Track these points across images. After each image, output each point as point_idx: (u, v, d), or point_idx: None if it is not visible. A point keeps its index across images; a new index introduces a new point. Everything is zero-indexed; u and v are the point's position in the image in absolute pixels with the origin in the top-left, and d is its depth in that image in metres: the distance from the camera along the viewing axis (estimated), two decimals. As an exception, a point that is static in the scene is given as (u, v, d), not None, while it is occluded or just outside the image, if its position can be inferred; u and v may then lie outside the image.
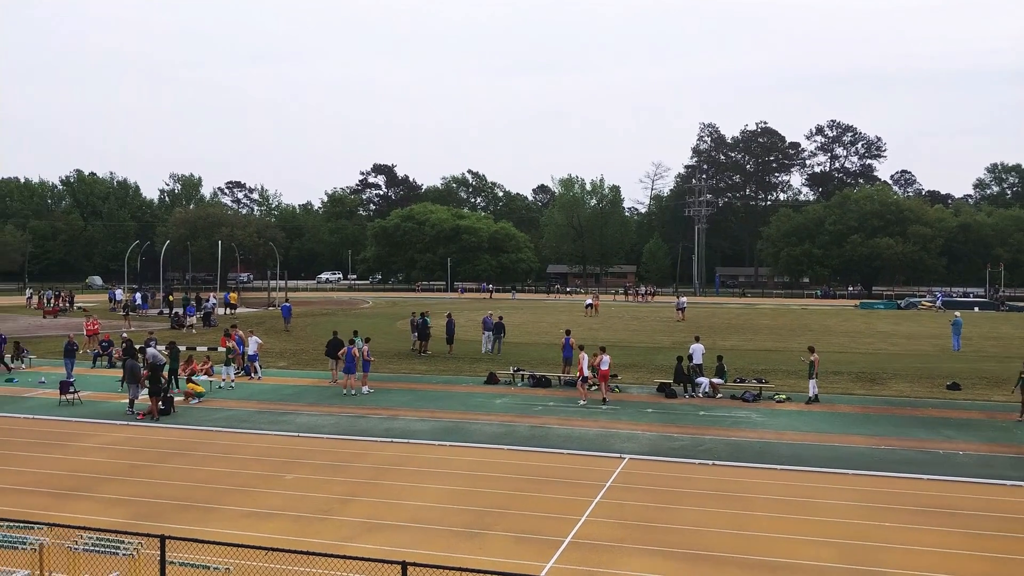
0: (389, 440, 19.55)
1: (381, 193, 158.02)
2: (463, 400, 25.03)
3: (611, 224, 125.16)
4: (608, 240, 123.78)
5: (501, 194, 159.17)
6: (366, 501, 14.69)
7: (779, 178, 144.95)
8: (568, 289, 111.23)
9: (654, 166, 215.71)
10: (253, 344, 29.42)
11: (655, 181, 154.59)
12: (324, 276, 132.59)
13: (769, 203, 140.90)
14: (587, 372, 24.80)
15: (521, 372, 28.65)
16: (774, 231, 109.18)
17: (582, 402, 24.33)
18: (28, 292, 75.98)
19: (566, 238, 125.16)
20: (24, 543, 10.31)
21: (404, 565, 8.28)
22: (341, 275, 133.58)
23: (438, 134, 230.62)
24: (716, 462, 17.49)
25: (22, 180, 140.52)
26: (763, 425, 21.49)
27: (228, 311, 58.42)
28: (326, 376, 28.97)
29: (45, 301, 62.08)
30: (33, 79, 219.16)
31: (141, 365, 23.63)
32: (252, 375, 29.12)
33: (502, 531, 13.08)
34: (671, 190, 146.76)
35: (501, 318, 38.06)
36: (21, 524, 10.76)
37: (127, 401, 23.37)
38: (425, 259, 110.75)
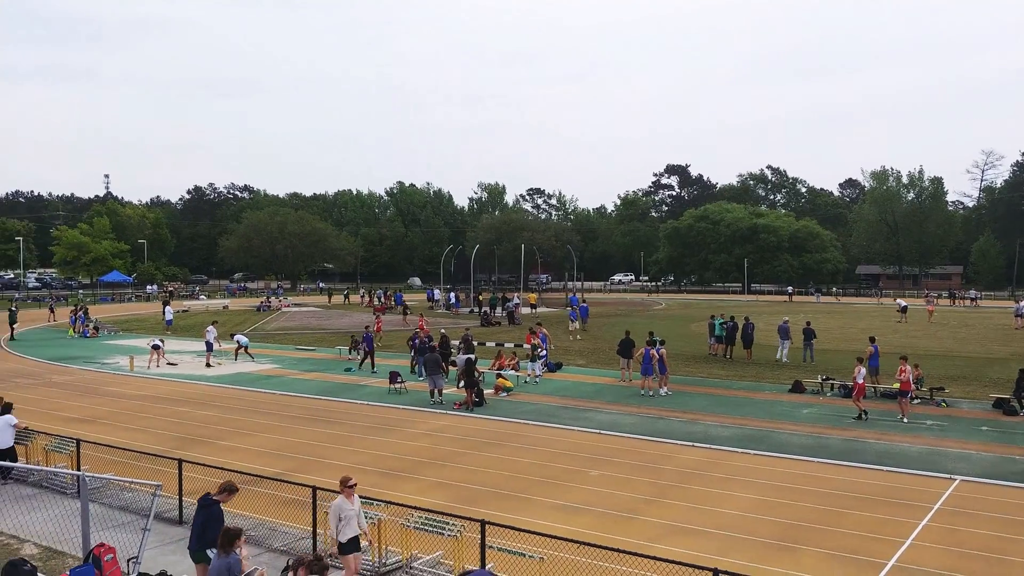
0: (691, 444, 19.29)
1: (674, 194, 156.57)
2: (766, 408, 24.06)
3: (932, 220, 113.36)
4: (928, 238, 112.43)
5: (804, 190, 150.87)
6: (671, 504, 14.61)
7: None
8: (887, 292, 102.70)
9: (984, 154, 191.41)
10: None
11: (985, 171, 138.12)
12: (616, 278, 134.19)
13: None
14: (860, 380, 22.62)
15: (831, 381, 26.95)
16: None
17: (903, 418, 22.19)
18: (361, 291, 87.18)
19: (879, 236, 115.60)
20: (369, 518, 11.49)
21: (716, 572, 8.09)
22: (632, 277, 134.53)
23: (734, 132, 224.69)
24: (1071, 491, 15.25)
25: (355, 192, 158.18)
26: None
27: (532, 310, 60.07)
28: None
29: (376, 299, 70.39)
30: (359, 104, 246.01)
31: (440, 358, 25.43)
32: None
33: (816, 547, 12.35)
34: (1005, 181, 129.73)
35: (809, 323, 35.76)
36: (364, 500, 11.99)
37: (428, 391, 25.17)
38: (720, 260, 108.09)
